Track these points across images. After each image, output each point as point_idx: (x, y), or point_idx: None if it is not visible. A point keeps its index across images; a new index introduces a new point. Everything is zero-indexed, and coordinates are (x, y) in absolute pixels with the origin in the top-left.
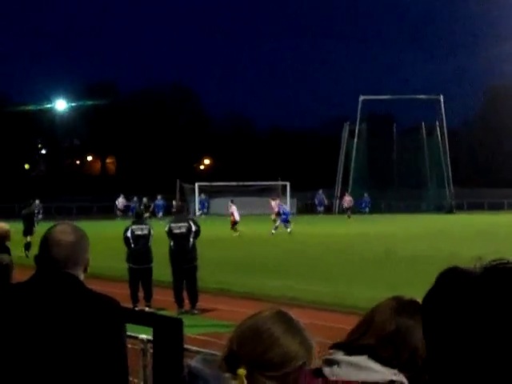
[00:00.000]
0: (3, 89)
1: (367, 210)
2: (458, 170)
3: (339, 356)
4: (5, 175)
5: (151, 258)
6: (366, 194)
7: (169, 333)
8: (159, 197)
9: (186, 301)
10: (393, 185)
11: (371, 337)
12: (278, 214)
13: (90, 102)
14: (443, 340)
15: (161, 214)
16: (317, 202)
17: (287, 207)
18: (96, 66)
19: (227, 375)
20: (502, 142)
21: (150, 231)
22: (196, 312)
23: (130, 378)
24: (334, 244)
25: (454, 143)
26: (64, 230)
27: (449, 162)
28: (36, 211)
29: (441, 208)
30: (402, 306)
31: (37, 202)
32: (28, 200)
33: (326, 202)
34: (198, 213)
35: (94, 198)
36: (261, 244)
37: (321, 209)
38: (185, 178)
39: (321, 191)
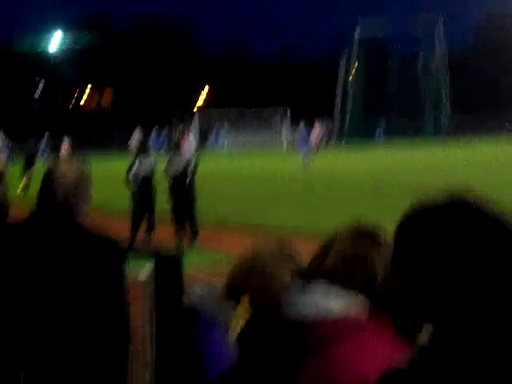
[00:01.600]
0: None
1: (380, 139)
2: (456, 98)
3: (300, 283)
4: (8, 111)
5: (155, 193)
6: (382, 123)
7: (169, 268)
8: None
9: (187, 234)
10: (390, 115)
11: (330, 262)
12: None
13: (85, 35)
14: (411, 269)
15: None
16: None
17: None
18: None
19: (230, 309)
20: (497, 68)
21: (153, 166)
22: (196, 245)
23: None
24: (336, 174)
25: (452, 71)
26: (66, 168)
27: (447, 92)
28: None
29: (439, 135)
30: (362, 231)
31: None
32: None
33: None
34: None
35: (93, 133)
36: (256, 176)
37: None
38: (185, 109)
39: (318, 123)
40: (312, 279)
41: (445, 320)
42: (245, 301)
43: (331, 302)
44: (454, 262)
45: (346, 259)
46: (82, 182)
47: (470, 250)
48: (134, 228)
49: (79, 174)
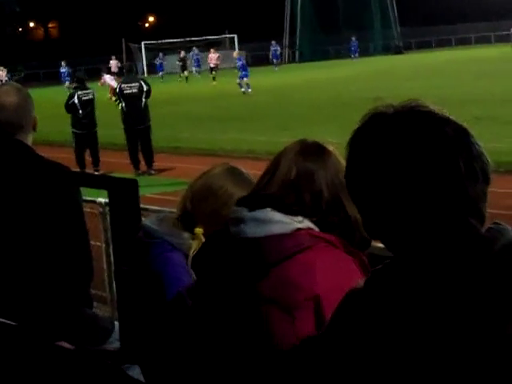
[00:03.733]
0: None
1: (357, 54)
2: (404, 10)
3: (243, 212)
4: None
5: (96, 122)
6: (353, 38)
7: (124, 194)
8: (63, 63)
9: (142, 162)
10: (340, 29)
11: (274, 185)
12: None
13: None
14: (363, 179)
15: (67, 83)
16: (271, 54)
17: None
18: None
19: (185, 234)
20: None
21: (94, 95)
22: (153, 172)
23: (92, 242)
24: (285, 93)
25: None
26: (8, 92)
27: (394, 2)
28: None
29: (389, 49)
30: (304, 149)
31: (62, 63)
32: None
33: (279, 52)
34: (193, 70)
35: (39, 63)
36: (212, 99)
37: (277, 61)
38: (130, 37)
39: (274, 42)
40: (256, 207)
41: (401, 237)
42: (199, 233)
43: (277, 220)
44: (409, 171)
45: (290, 179)
46: (22, 105)
47: (427, 157)
48: (80, 155)
49: (19, 97)
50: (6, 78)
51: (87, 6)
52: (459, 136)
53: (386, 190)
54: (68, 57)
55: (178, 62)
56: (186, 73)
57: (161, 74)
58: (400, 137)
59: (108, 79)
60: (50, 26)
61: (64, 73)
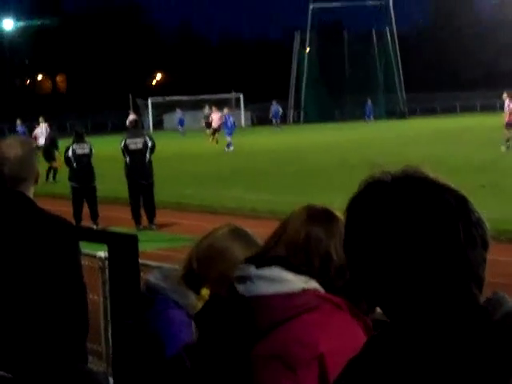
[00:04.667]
0: None
1: (372, 117)
2: (409, 75)
3: (250, 270)
4: None
5: (94, 176)
6: (368, 101)
7: (123, 249)
8: (19, 121)
9: (144, 217)
10: (345, 93)
11: (282, 247)
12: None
13: (36, 20)
14: (361, 246)
15: None
16: (272, 113)
17: (232, 121)
18: None
19: (190, 293)
20: (452, 45)
21: (91, 149)
22: (154, 227)
23: (90, 296)
24: (287, 154)
25: (405, 48)
26: (11, 145)
27: (400, 67)
28: None
29: (393, 113)
30: (313, 214)
31: (18, 121)
32: None
33: (280, 113)
34: (180, 129)
35: (46, 116)
36: (215, 157)
37: (277, 120)
38: (137, 93)
39: (275, 102)
40: (263, 265)
41: (398, 303)
42: (205, 295)
43: (285, 280)
44: (408, 239)
45: (299, 243)
46: (26, 158)
47: (427, 225)
48: (77, 209)
49: (23, 150)
50: (47, 131)
51: (96, 60)
52: (458, 203)
53: (385, 257)
54: (75, 110)
55: (202, 119)
56: (209, 131)
57: (181, 129)
58: (398, 204)
59: (41, 129)
60: (58, 79)
61: (19, 131)
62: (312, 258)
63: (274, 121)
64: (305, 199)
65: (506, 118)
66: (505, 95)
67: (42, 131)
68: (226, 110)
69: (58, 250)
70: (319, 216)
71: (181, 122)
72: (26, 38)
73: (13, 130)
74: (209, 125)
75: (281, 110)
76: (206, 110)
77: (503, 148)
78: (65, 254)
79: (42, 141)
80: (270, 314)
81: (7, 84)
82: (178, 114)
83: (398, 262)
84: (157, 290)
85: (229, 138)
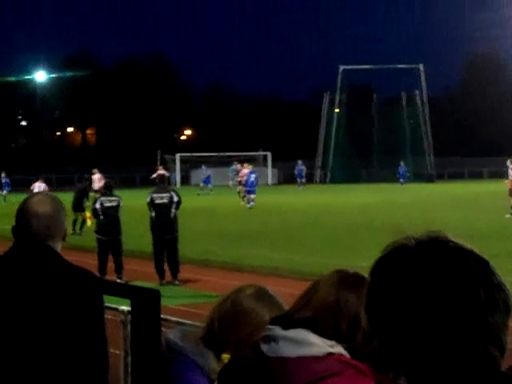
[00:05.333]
0: None
1: (406, 180)
2: (438, 139)
3: (276, 331)
4: None
5: (120, 229)
6: (402, 163)
7: (146, 304)
8: (3, 174)
9: (168, 272)
10: (372, 154)
11: (310, 309)
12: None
13: (69, 73)
14: (384, 310)
15: (5, 191)
16: (296, 173)
17: (253, 178)
18: (76, 36)
19: (210, 354)
20: (483, 110)
21: (119, 203)
22: (177, 283)
23: (111, 350)
24: (313, 214)
25: (435, 112)
26: (41, 201)
27: (429, 131)
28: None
29: (421, 177)
30: (344, 278)
31: (2, 174)
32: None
33: (305, 172)
34: (207, 185)
35: (76, 169)
36: (240, 215)
37: (301, 180)
38: (166, 149)
39: (300, 162)
40: (290, 327)
41: (418, 365)
42: (225, 358)
43: (311, 343)
44: (431, 303)
45: (328, 306)
46: (55, 215)
47: (450, 290)
48: (103, 261)
49: (53, 207)
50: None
51: (125, 115)
52: (480, 267)
53: (406, 320)
54: (104, 163)
55: (233, 174)
56: (239, 188)
57: (210, 185)
58: (422, 269)
59: (97, 178)
60: (88, 132)
61: (4, 183)
62: (340, 323)
63: (298, 180)
64: (329, 260)
65: (509, 185)
66: (508, 162)
67: (98, 177)
68: (250, 166)
69: (82, 303)
70: (350, 280)
71: (207, 180)
72: (57, 91)
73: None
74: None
75: (305, 169)
76: (238, 166)
77: (508, 215)
78: (88, 306)
79: (96, 186)
80: (292, 377)
81: (37, 136)
82: (204, 170)
83: (419, 323)
84: (177, 350)
85: (251, 195)
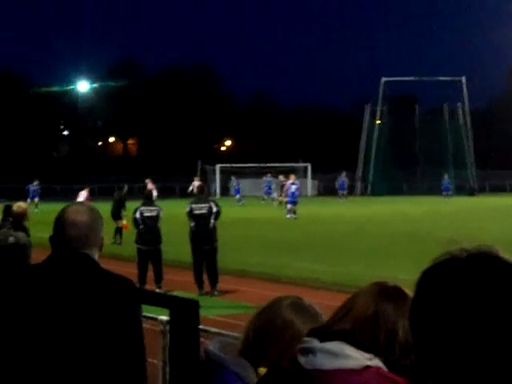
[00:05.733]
0: (25, 71)
1: (450, 192)
2: (480, 152)
3: (313, 343)
4: (27, 156)
5: (160, 239)
6: (446, 176)
7: (185, 314)
8: (36, 182)
9: (206, 282)
10: (414, 166)
11: (349, 322)
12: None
13: (111, 83)
14: (430, 322)
15: (37, 199)
16: (338, 184)
17: (294, 189)
18: (117, 46)
19: (250, 367)
20: None
21: (159, 213)
22: (216, 293)
23: (150, 359)
24: (353, 225)
25: (477, 124)
26: (78, 210)
27: (471, 144)
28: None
29: (462, 189)
30: (384, 290)
31: (35, 182)
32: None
33: (347, 184)
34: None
35: (117, 178)
36: (280, 225)
37: (343, 192)
38: (206, 159)
39: (343, 174)
40: (327, 339)
41: (461, 381)
42: (262, 372)
43: (349, 355)
44: (480, 315)
45: (367, 318)
46: (93, 224)
47: (503, 306)
48: (142, 271)
49: (90, 217)
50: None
51: (167, 125)
52: None
53: (453, 333)
54: (144, 173)
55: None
56: (280, 198)
57: (237, 196)
58: (472, 282)
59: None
60: (129, 142)
61: (34, 191)
62: (378, 335)
63: (340, 192)
64: (370, 272)
65: None
66: None
67: (151, 188)
68: (293, 177)
69: (120, 312)
70: (390, 293)
71: (236, 191)
72: (99, 100)
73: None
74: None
75: (348, 181)
76: (281, 177)
77: None
78: (126, 315)
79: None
80: None
81: (79, 145)
82: (234, 182)
83: (466, 337)
84: (218, 362)
85: (289, 205)
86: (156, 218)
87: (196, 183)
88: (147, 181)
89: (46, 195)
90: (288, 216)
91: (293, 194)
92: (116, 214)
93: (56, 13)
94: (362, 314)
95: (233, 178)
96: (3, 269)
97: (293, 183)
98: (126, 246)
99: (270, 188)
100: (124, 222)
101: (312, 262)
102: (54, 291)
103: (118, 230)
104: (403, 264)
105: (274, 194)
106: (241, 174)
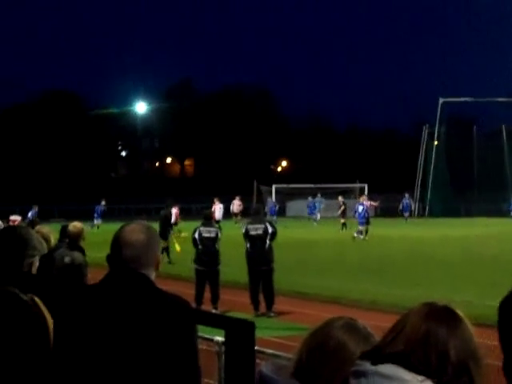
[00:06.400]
0: (85, 92)
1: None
2: None
3: (366, 366)
4: (86, 177)
5: (218, 260)
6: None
7: (241, 335)
8: (103, 202)
9: (263, 303)
10: (472, 188)
11: (400, 343)
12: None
13: (169, 104)
14: None
15: (100, 221)
16: (402, 206)
17: (361, 209)
18: (174, 67)
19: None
20: None
21: (217, 234)
22: (272, 315)
23: (205, 380)
24: (413, 247)
25: None
26: (135, 230)
27: None
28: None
29: None
30: (433, 311)
31: (102, 202)
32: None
33: (412, 206)
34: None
35: (174, 199)
36: (338, 246)
37: (406, 214)
38: (262, 179)
39: (407, 195)
40: (379, 362)
41: None
42: None
43: (401, 378)
44: None
45: (417, 339)
46: (149, 244)
47: None
48: (199, 291)
49: (146, 236)
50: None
51: (223, 146)
52: None
53: None
54: (201, 193)
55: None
56: (342, 219)
57: (274, 218)
58: None
59: (218, 208)
60: (186, 163)
61: (101, 211)
62: (430, 356)
63: (404, 214)
64: (428, 294)
65: None
66: None
67: (219, 207)
68: (363, 198)
69: (176, 332)
70: (440, 313)
71: (271, 210)
72: (157, 121)
73: (140, 211)
74: (344, 213)
75: (412, 203)
76: (340, 198)
77: None
78: (182, 336)
79: (218, 215)
80: None
81: (137, 166)
82: (270, 203)
83: None
84: (270, 383)
85: (360, 227)
86: (214, 239)
87: (236, 202)
88: (215, 200)
89: (104, 215)
90: (355, 235)
91: (359, 214)
92: (163, 234)
93: (115, 34)
94: (413, 335)
95: (268, 199)
96: (60, 289)
97: (360, 204)
98: (182, 265)
99: (313, 208)
100: (177, 247)
101: (372, 284)
102: (109, 312)
103: (165, 250)
104: (463, 287)
105: (318, 215)
106: (299, 194)
